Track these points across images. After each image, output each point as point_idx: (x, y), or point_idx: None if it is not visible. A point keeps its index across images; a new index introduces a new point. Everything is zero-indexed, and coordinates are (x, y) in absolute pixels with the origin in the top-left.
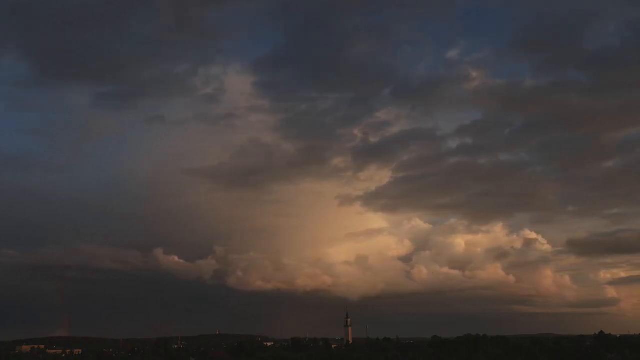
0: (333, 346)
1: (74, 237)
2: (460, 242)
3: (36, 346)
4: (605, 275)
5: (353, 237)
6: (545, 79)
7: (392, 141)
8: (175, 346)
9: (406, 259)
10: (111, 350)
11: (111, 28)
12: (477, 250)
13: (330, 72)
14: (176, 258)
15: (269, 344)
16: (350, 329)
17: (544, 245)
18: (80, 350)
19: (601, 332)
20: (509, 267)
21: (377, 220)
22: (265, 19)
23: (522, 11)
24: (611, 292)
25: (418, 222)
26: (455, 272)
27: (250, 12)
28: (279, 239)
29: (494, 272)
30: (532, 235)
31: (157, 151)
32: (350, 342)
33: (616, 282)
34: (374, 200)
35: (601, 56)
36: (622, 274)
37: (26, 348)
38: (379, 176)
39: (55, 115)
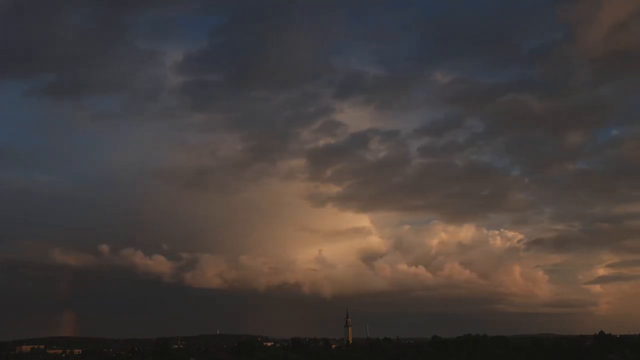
0: (333, 346)
1: (20, 233)
2: (435, 241)
3: (36, 346)
4: (583, 274)
5: (318, 235)
6: (499, 78)
7: (352, 141)
8: (175, 346)
9: (380, 259)
10: (111, 350)
11: (42, 26)
12: (451, 249)
13: (277, 71)
14: (132, 255)
15: (269, 344)
16: (350, 329)
17: (519, 244)
18: (80, 350)
19: (601, 332)
20: (484, 266)
21: (349, 220)
22: (206, 16)
23: (453, 8)
24: (589, 291)
25: (392, 223)
26: (429, 272)
27: (192, 10)
28: (239, 236)
29: (470, 271)
30: (510, 234)
31: (104, 150)
32: (350, 342)
33: (594, 282)
34: (345, 201)
35: (542, 55)
36: (600, 274)
37: (26, 348)
38: (344, 177)
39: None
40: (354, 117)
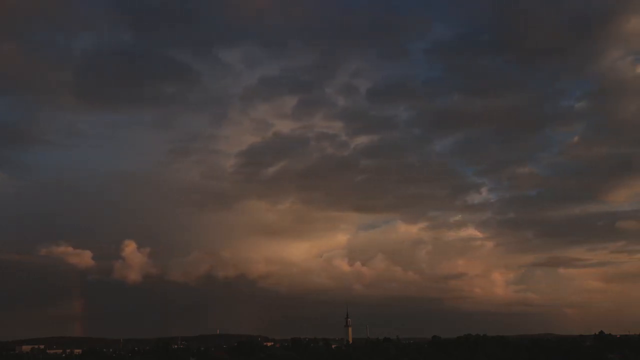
0: (333, 346)
1: None
2: (392, 240)
3: (36, 346)
4: (544, 273)
5: (267, 234)
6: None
7: (291, 142)
8: (175, 346)
9: (334, 257)
10: (111, 350)
11: None
12: (408, 248)
13: (188, 70)
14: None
15: (269, 344)
16: (350, 329)
17: (479, 243)
18: (80, 350)
19: (601, 332)
20: (442, 266)
21: (297, 219)
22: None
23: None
24: (550, 291)
25: (348, 222)
26: (370, 269)
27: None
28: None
29: (427, 271)
30: (468, 234)
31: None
32: (351, 342)
33: (555, 280)
34: (290, 200)
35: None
36: (560, 273)
37: (26, 348)
38: (285, 176)
39: None
40: (277, 116)
